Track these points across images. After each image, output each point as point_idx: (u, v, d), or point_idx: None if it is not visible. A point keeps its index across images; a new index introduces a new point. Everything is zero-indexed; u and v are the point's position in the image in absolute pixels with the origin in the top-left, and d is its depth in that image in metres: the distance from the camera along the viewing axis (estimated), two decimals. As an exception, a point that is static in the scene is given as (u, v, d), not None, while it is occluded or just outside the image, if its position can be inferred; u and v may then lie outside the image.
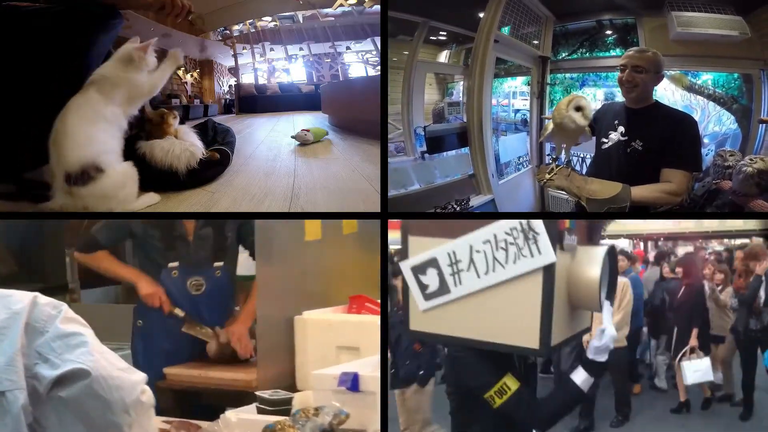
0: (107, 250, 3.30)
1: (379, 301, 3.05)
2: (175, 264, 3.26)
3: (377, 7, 5.30)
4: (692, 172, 2.82)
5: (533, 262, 1.53)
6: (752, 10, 3.59)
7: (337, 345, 2.86)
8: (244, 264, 4.80)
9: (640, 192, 2.67)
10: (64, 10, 3.17)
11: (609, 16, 4.16)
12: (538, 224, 1.53)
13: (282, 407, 2.55)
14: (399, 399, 4.40)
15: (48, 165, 3.18)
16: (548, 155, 3.62)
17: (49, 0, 3.17)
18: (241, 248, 4.82)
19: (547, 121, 3.00)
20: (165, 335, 3.29)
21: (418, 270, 1.59)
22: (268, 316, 2.94)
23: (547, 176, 2.85)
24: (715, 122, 3.87)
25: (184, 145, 3.22)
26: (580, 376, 1.80)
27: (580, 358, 1.88)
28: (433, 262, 1.58)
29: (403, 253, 1.64)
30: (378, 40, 5.43)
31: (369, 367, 2.53)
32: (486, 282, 1.57)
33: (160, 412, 2.88)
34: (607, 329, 1.77)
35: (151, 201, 3.11)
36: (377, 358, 2.66)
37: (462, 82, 4.74)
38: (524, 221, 1.53)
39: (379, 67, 5.37)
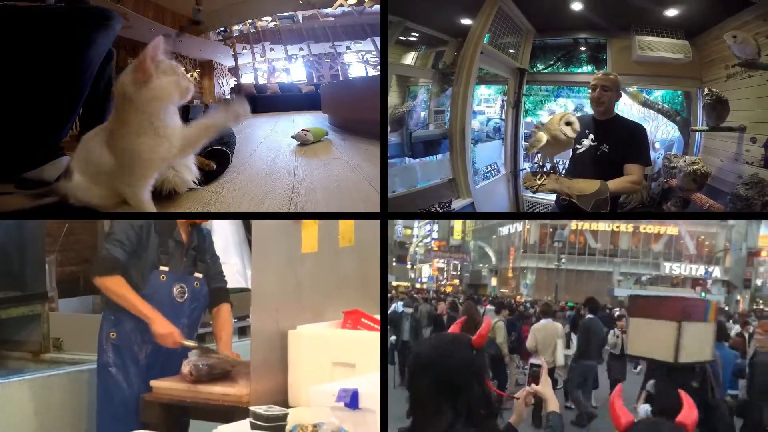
0: (122, 276, 3.09)
1: (376, 316, 2.94)
2: (166, 269, 3.16)
3: (377, 7, 5.30)
4: (645, 165, 3.48)
5: None
6: (698, 34, 4.26)
7: (333, 361, 2.73)
8: (234, 276, 4.78)
9: (613, 184, 3.34)
10: (60, 11, 3.17)
11: (585, 35, 4.68)
12: None
13: (277, 423, 2.47)
14: None
15: (47, 164, 3.19)
16: (535, 164, 4.08)
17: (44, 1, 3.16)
18: (234, 260, 4.78)
19: (535, 135, 3.48)
20: (143, 347, 3.14)
21: None
22: (262, 330, 2.84)
23: (539, 182, 3.40)
24: (663, 131, 4.71)
25: (168, 175, 3.12)
26: None
27: None
28: None
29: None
30: (378, 39, 5.43)
31: (368, 384, 2.41)
32: None
33: (147, 426, 2.86)
34: None
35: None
36: (377, 375, 2.54)
37: (425, 87, 4.71)
38: None
39: (379, 67, 5.36)
